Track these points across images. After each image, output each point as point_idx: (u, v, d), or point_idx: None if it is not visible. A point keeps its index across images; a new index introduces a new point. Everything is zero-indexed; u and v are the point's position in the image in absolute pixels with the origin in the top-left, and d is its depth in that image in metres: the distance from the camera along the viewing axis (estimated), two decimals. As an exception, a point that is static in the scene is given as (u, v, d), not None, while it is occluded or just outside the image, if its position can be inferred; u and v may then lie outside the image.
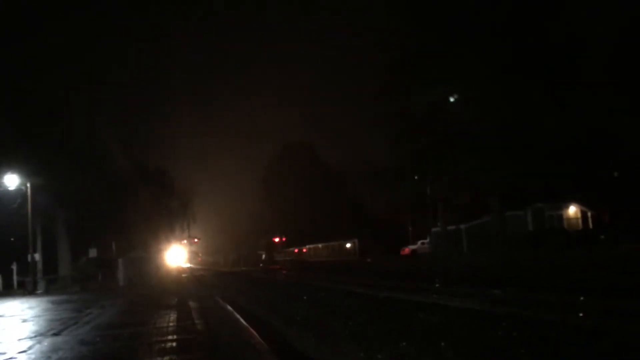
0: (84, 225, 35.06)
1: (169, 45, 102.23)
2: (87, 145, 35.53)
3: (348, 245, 58.54)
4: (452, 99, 32.81)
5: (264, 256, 68.89)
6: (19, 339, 10.14)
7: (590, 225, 37.50)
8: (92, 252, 35.60)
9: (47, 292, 28.01)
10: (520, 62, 30.26)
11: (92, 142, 36.17)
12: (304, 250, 69.53)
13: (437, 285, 15.68)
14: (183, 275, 40.88)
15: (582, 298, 10.08)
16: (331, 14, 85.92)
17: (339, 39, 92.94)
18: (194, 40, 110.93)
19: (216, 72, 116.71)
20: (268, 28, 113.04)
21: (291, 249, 70.03)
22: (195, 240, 61.71)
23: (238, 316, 11.38)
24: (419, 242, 46.90)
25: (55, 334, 10.59)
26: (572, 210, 38.78)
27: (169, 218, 49.03)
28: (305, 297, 15.46)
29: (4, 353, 8.68)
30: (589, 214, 38.19)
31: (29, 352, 8.65)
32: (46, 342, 9.55)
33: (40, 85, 33.41)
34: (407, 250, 47.08)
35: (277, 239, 69.76)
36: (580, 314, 8.52)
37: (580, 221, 38.58)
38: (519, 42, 30.51)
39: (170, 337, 9.31)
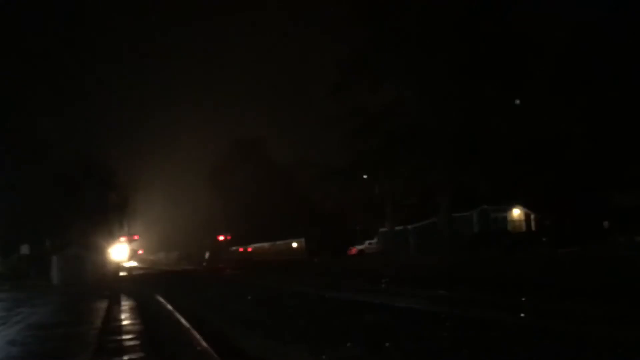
0: (15, 220, 33.39)
1: (117, 40, 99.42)
2: (20, 136, 33.87)
3: (295, 244, 58.43)
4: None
5: (207, 255, 67.80)
6: (-59, 340, 9.47)
7: (533, 228, 38.79)
8: (24, 249, 33.95)
9: (-25, 290, 26.49)
10: (474, 64, 30.91)
11: (25, 133, 34.50)
12: (249, 249, 68.91)
13: (383, 285, 15.80)
14: (122, 273, 39.75)
15: (523, 299, 10.33)
16: (284, 9, 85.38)
17: (293, 35, 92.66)
18: (145, 34, 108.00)
19: (166, 67, 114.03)
20: (221, 23, 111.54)
21: (236, 247, 69.28)
22: (135, 237, 60.03)
23: (179, 316, 11.08)
24: (367, 242, 47.30)
25: (-18, 335, 9.98)
26: (516, 212, 40.01)
27: (108, 213, 47.48)
28: (249, 297, 15.26)
29: None
30: (532, 216, 39.52)
31: (-48, 353, 8.09)
32: (-29, 343, 8.96)
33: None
34: (354, 250, 47.38)
35: (222, 237, 68.76)
36: (522, 315, 8.72)
37: (523, 223, 39.81)
38: (473, 42, 31.16)
39: (107, 338, 8.92)
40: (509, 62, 30.70)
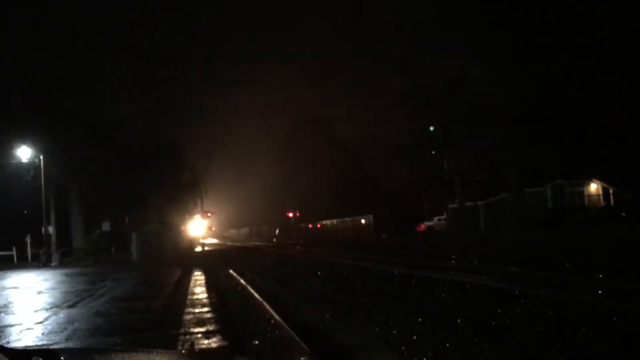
0: (97, 198, 35.12)
1: (184, 19, 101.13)
2: (100, 118, 35.47)
3: (363, 221, 58.28)
4: None
5: (277, 231, 69.12)
6: (35, 311, 10.19)
7: (612, 203, 36.67)
8: (106, 226, 35.69)
9: (61, 265, 28.14)
10: (540, 37, 29.56)
11: (105, 115, 36.10)
12: (318, 225, 69.54)
13: (453, 262, 15.54)
14: (197, 249, 41.18)
15: (600, 275, 9.88)
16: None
17: (357, 11, 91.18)
18: (211, 14, 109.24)
19: (232, 46, 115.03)
20: (284, 1, 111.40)
21: (305, 224, 70.07)
22: (209, 214, 62.02)
23: (252, 290, 11.32)
24: (435, 219, 46.42)
25: (70, 306, 10.63)
26: (594, 187, 37.84)
27: (182, 192, 49.12)
28: (319, 273, 15.40)
29: (20, 324, 8.72)
30: (611, 190, 37.33)
31: (45, 323, 8.68)
32: (62, 314, 9.58)
33: (54, 58, 33.23)
34: (423, 226, 46.65)
35: (291, 214, 69.68)
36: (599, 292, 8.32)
37: (601, 198, 37.51)
38: (539, 13, 29.78)
39: (184, 310, 9.28)
40: (577, 35, 29.07)
